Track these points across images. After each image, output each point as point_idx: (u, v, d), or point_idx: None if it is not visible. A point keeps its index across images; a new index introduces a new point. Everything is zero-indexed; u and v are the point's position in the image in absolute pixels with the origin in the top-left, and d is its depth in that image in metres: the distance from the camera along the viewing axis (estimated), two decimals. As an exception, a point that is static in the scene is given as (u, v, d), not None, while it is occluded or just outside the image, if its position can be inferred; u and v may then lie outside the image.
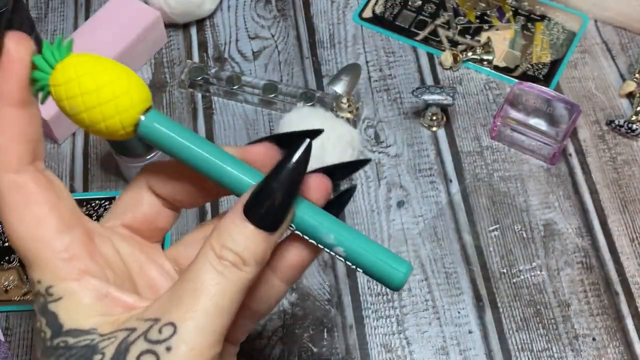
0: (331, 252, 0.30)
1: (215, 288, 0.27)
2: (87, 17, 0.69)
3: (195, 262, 0.28)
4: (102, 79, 0.27)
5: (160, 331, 0.26)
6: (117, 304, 0.28)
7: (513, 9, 0.68)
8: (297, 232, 0.30)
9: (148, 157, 0.55)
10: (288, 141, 0.31)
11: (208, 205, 0.57)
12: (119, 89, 0.27)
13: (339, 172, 0.32)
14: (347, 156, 0.55)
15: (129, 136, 0.29)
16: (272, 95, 0.62)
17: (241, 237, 0.27)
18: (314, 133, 0.31)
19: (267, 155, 0.31)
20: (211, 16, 0.69)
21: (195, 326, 0.26)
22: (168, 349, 0.26)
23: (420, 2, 0.69)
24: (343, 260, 0.30)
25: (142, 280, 0.31)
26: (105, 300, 0.28)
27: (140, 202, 0.33)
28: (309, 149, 0.28)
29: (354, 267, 0.30)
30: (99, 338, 0.27)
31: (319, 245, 0.30)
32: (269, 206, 0.28)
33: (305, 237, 0.30)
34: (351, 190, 0.33)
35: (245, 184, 0.29)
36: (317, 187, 0.31)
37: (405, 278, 0.29)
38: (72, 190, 0.59)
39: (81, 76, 0.27)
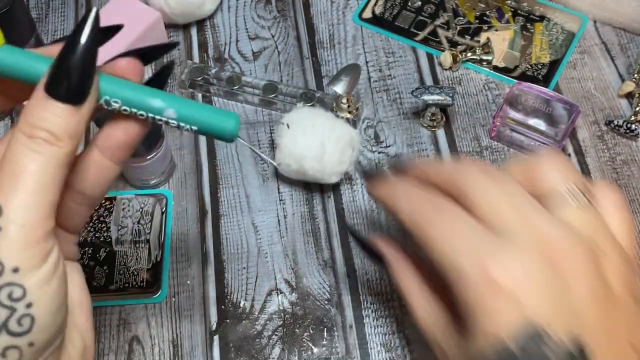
0: (162, 119, 0.31)
1: (32, 165, 0.28)
2: (87, 18, 0.69)
3: (9, 149, 0.28)
4: None
5: None
6: None
7: (512, 9, 0.68)
8: (123, 107, 0.31)
9: (148, 157, 0.55)
10: (151, 55, 0.33)
11: (208, 206, 0.57)
12: None
13: (149, 55, 0.33)
14: (347, 156, 0.55)
15: None
16: (272, 95, 0.62)
17: (48, 114, 0.28)
18: (170, 46, 0.34)
19: (131, 69, 0.32)
20: (211, 17, 0.69)
21: (20, 204, 0.27)
22: None
23: (419, 3, 0.69)
24: (176, 122, 0.31)
25: None
26: None
27: None
28: (96, 17, 0.29)
29: (187, 127, 0.31)
30: None
31: (149, 115, 0.31)
32: (68, 78, 0.29)
33: (134, 112, 0.31)
34: (169, 66, 0.33)
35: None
36: (127, 67, 0.32)
37: (237, 125, 0.31)
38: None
39: None
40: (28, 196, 0.27)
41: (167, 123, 0.31)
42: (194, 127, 0.31)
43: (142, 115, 0.31)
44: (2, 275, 0.27)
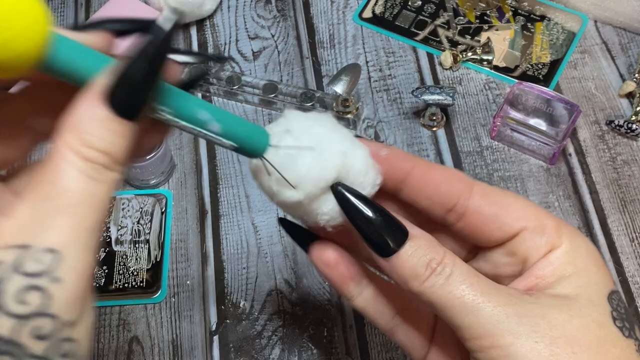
0: (202, 131, 0.27)
1: (90, 199, 0.23)
2: (87, 17, 0.69)
3: (52, 168, 0.23)
4: None
5: (37, 260, 0.22)
6: None
7: (513, 9, 0.68)
8: (167, 115, 0.26)
9: (148, 157, 0.55)
10: (130, 28, 0.28)
11: (208, 205, 0.57)
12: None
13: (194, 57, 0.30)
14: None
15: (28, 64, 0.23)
16: (272, 95, 0.62)
17: (106, 131, 0.23)
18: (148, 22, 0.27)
19: (104, 44, 0.27)
20: (211, 16, 0.69)
21: (80, 247, 0.23)
22: (55, 279, 0.22)
23: (420, 3, 0.69)
24: (213, 136, 0.27)
25: None
26: None
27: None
28: (176, 24, 0.25)
29: (223, 142, 0.28)
30: None
31: (190, 126, 0.26)
32: (137, 89, 0.24)
33: (176, 122, 0.26)
34: (204, 73, 0.30)
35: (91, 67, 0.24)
36: (169, 70, 0.27)
37: (269, 141, 0.29)
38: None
39: None
40: (87, 237, 0.23)
41: (203, 135, 0.27)
42: (232, 144, 0.28)
43: (182, 126, 0.26)
44: (59, 332, 0.22)
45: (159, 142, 0.28)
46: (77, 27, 0.27)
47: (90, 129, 0.23)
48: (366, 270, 0.34)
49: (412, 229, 0.29)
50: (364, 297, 0.33)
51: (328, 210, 0.30)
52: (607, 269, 0.30)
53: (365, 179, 0.30)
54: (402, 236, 0.29)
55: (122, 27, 0.27)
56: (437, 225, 0.32)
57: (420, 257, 0.29)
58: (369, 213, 0.29)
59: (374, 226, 0.29)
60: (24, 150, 0.28)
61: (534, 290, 0.29)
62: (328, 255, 0.33)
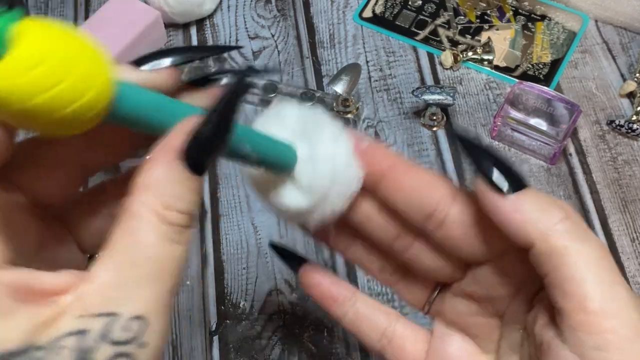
0: (238, 157, 0.26)
1: (172, 262, 0.23)
2: (86, 17, 0.69)
3: (133, 231, 0.22)
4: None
5: (125, 328, 0.21)
6: (36, 293, 0.21)
7: (513, 8, 0.68)
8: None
9: (147, 156, 0.54)
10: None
11: (208, 206, 0.57)
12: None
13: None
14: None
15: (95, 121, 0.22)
16: (272, 95, 0.61)
17: (185, 190, 0.23)
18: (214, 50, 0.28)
19: (169, 82, 0.26)
20: (211, 16, 0.69)
21: (161, 311, 0.22)
22: (141, 345, 0.22)
23: (420, 2, 0.69)
24: (244, 158, 0.26)
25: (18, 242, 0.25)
26: (24, 291, 0.21)
27: None
28: (248, 81, 0.25)
29: (255, 164, 0.27)
30: (39, 354, 0.20)
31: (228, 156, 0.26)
32: (210, 148, 0.23)
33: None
34: (204, 69, 0.28)
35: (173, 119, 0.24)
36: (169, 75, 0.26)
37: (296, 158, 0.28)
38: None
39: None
40: (169, 299, 0.23)
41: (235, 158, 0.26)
42: (261, 165, 0.27)
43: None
44: None
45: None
46: (138, 61, 0.26)
47: (172, 190, 0.23)
48: (351, 292, 0.33)
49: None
50: (348, 318, 0.33)
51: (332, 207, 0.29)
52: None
53: (352, 173, 0.29)
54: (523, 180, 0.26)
55: (186, 57, 0.27)
56: (419, 233, 0.30)
57: (548, 202, 0.25)
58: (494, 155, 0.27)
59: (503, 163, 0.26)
60: (76, 185, 0.29)
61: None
62: (312, 277, 0.33)
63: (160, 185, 0.22)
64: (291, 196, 0.29)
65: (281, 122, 0.29)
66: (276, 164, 0.28)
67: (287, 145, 0.28)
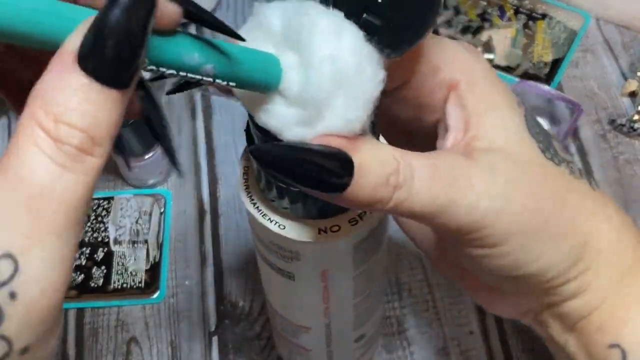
0: (196, 77, 0.22)
1: (60, 193, 0.18)
2: None
3: (15, 152, 0.18)
4: None
5: None
6: None
7: (514, 7, 0.67)
8: (150, 66, 0.20)
9: (147, 156, 0.54)
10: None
11: (207, 205, 0.57)
12: None
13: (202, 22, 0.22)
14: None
15: None
16: None
17: (84, 102, 0.18)
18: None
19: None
20: (210, 15, 0.68)
21: (44, 256, 0.18)
22: (12, 295, 0.17)
23: (420, 1, 0.68)
24: (212, 79, 0.22)
25: None
26: None
27: None
28: None
29: (224, 84, 0.23)
30: None
31: (181, 73, 0.21)
32: (119, 46, 0.18)
33: (162, 71, 0.21)
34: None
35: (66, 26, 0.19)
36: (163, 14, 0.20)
37: (281, 71, 0.24)
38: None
39: None
40: (54, 243, 0.18)
41: (199, 81, 0.22)
42: (232, 84, 0.23)
43: (171, 74, 0.21)
44: (8, 358, 0.18)
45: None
46: None
47: (63, 99, 0.18)
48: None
49: (353, 149, 0.23)
50: None
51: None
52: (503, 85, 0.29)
53: (368, 71, 0.23)
54: (348, 166, 0.23)
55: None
56: None
57: (377, 178, 0.24)
58: (307, 161, 0.23)
59: (315, 169, 0.23)
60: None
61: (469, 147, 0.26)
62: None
63: (49, 93, 0.18)
64: (278, 112, 0.24)
65: (265, 30, 0.24)
66: (249, 79, 0.23)
67: (264, 55, 0.24)
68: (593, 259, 0.27)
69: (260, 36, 0.24)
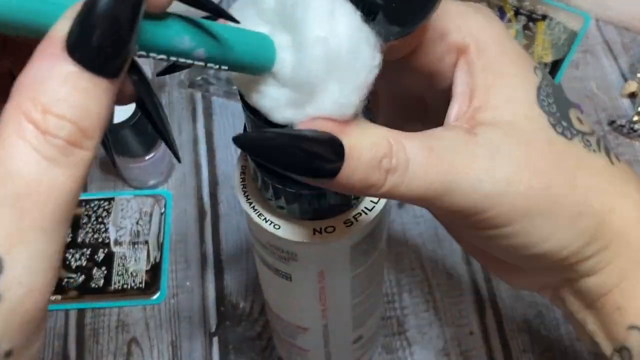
0: (187, 61, 0.21)
1: (47, 189, 0.17)
2: None
3: (0, 145, 0.17)
4: None
5: None
6: None
7: (514, 8, 0.67)
8: (139, 52, 0.19)
9: (147, 157, 0.54)
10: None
11: (208, 206, 0.57)
12: None
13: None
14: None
15: None
16: None
17: (73, 92, 0.17)
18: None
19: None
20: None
21: (29, 254, 0.17)
22: None
23: (421, 2, 0.68)
24: (203, 63, 0.21)
25: None
26: None
27: None
28: None
29: (216, 67, 0.22)
30: None
31: (171, 58, 0.20)
32: (110, 32, 0.17)
33: (152, 56, 0.20)
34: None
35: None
36: None
37: (275, 51, 0.23)
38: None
39: None
40: (41, 241, 0.17)
41: (191, 65, 0.21)
42: (224, 67, 0.22)
43: (162, 58, 0.20)
44: None
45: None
46: None
47: (51, 89, 0.17)
48: None
49: (343, 132, 0.23)
50: None
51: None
52: (517, 45, 0.27)
53: (363, 54, 0.22)
54: (338, 150, 0.22)
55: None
56: None
57: (368, 162, 0.23)
58: (296, 147, 0.22)
59: (304, 155, 0.22)
60: None
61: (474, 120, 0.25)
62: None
63: (36, 83, 0.17)
64: (270, 93, 0.23)
65: (258, 8, 0.23)
66: (241, 63, 0.22)
67: (258, 37, 0.23)
68: (612, 238, 0.26)
69: (253, 14, 0.23)
